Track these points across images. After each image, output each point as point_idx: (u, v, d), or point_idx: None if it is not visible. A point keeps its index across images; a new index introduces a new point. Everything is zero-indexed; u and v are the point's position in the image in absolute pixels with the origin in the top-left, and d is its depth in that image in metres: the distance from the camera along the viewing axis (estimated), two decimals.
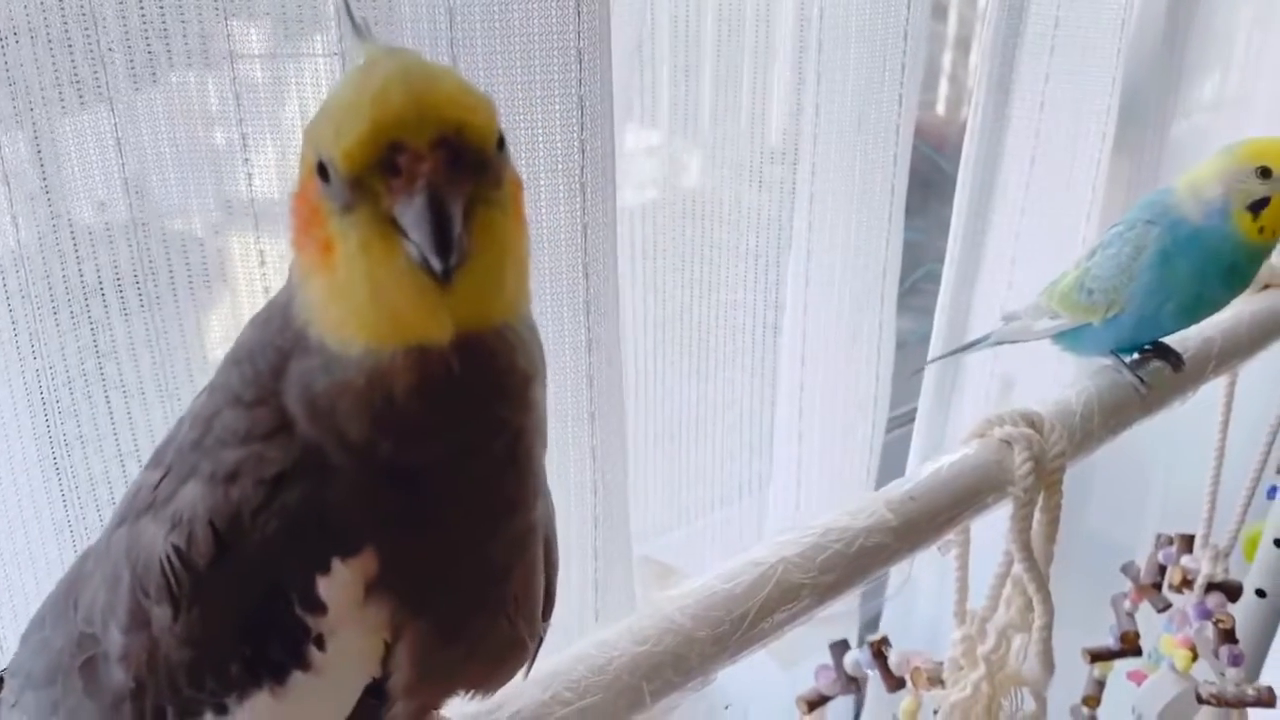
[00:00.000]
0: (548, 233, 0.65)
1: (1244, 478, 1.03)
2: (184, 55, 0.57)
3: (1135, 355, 0.82)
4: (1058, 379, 1.03)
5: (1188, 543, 1.03)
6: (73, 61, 0.54)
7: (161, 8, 0.55)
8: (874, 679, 0.78)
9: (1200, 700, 1.00)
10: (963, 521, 0.69)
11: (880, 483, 0.81)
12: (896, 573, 1.15)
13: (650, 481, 0.94)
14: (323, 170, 0.33)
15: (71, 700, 0.41)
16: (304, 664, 0.37)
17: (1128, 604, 1.02)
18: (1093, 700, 1.01)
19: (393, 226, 0.32)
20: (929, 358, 1.09)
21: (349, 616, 0.36)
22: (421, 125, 0.32)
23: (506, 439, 0.37)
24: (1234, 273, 0.77)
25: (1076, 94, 1.04)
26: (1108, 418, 0.77)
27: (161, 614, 0.37)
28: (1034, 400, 0.76)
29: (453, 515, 0.37)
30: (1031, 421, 0.71)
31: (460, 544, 0.38)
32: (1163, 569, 1.03)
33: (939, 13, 1.45)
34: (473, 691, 0.43)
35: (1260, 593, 1.12)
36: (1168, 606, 1.02)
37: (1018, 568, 0.72)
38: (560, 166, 0.64)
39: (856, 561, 0.62)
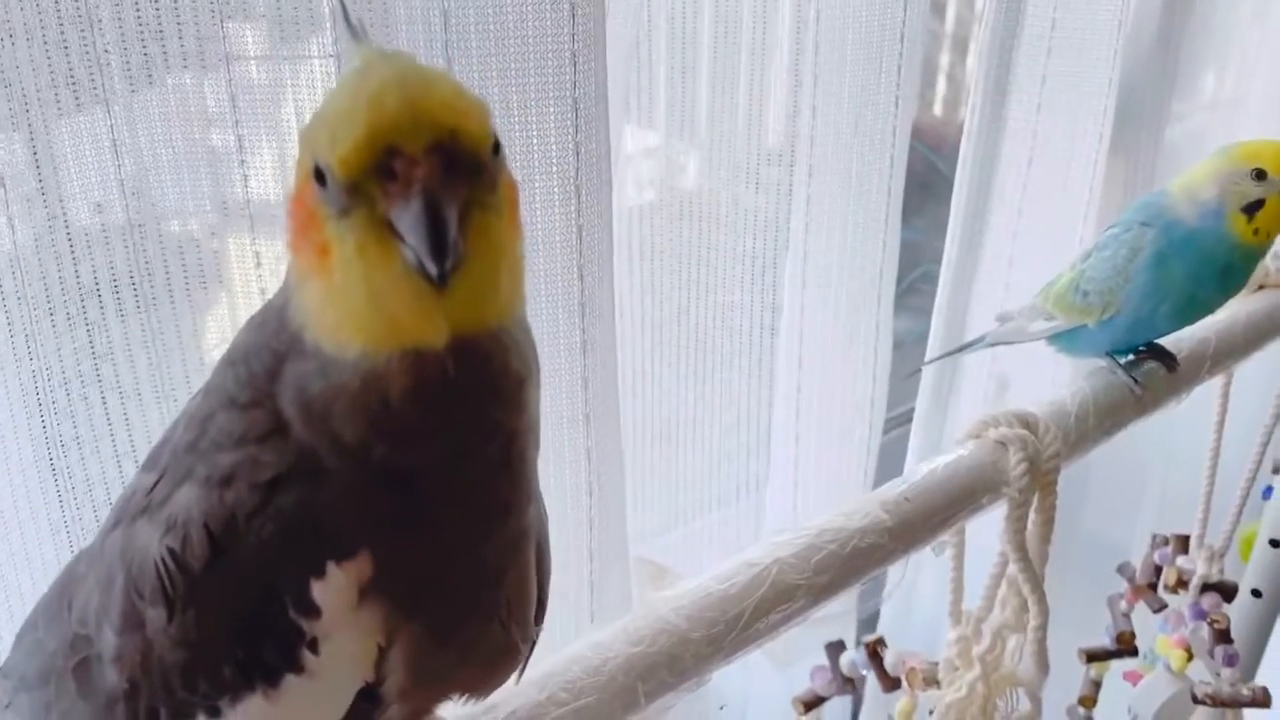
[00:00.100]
0: (542, 235, 0.65)
1: (1239, 478, 1.03)
2: (180, 57, 0.57)
3: (1130, 356, 0.82)
4: (1055, 380, 1.03)
5: (1183, 543, 1.03)
6: (69, 63, 0.54)
7: (158, 10, 0.55)
8: (872, 679, 0.78)
9: (1195, 700, 1.00)
10: (958, 522, 0.69)
11: (878, 483, 0.81)
12: (894, 572, 1.15)
13: (648, 483, 0.94)
14: (319, 175, 0.33)
15: (65, 702, 0.41)
16: (297, 667, 0.37)
17: (1124, 604, 1.02)
18: (1089, 700, 1.01)
19: (389, 230, 0.32)
20: (926, 359, 1.09)
21: (343, 620, 0.36)
22: (417, 130, 0.32)
23: (500, 442, 0.37)
24: (1229, 274, 0.77)
25: (1073, 96, 1.04)
26: (1103, 419, 0.77)
27: (156, 616, 0.37)
28: (1029, 401, 0.76)
29: (447, 518, 0.37)
30: (1026, 422, 0.71)
31: (454, 547, 0.38)
32: (1158, 569, 1.03)
33: (937, 11, 1.45)
34: (466, 695, 0.43)
35: (1256, 593, 1.12)
36: (1163, 607, 1.03)
37: (1012, 568, 0.72)
38: (555, 169, 0.64)
39: (851, 562, 0.62)
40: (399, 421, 0.35)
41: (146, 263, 0.59)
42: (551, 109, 0.62)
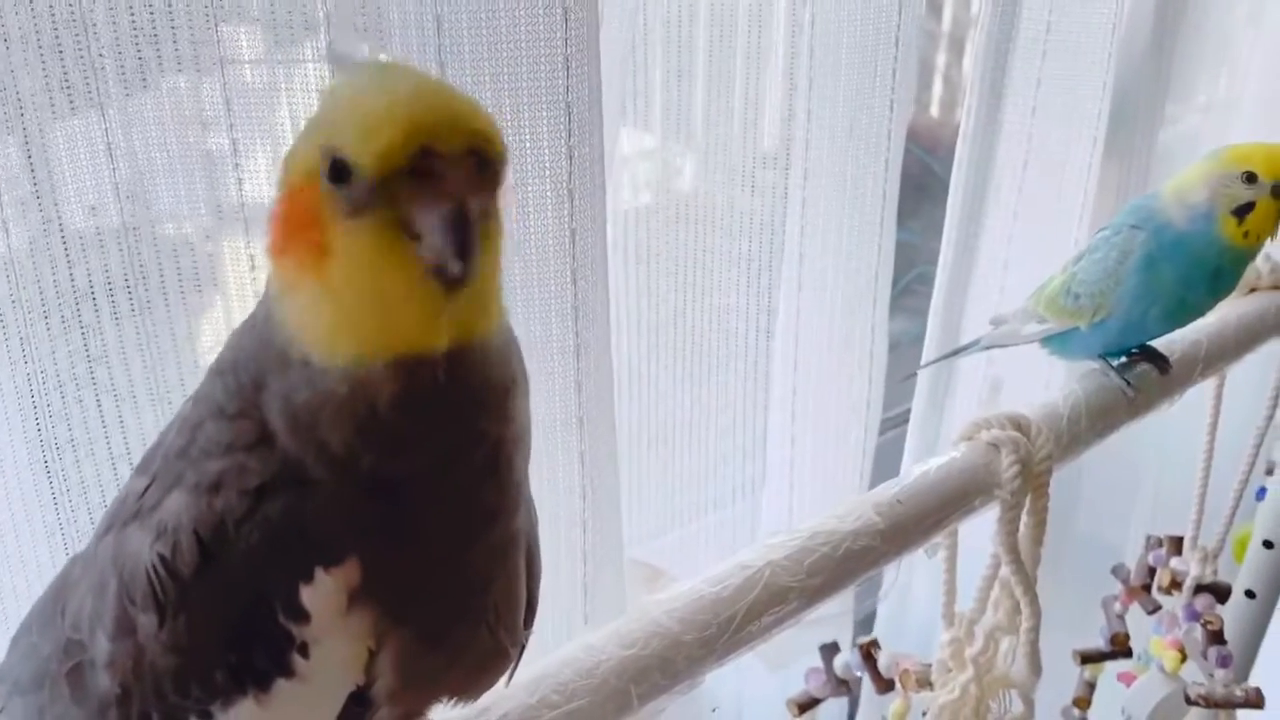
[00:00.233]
0: (535, 238, 0.65)
1: (1232, 479, 1.03)
2: (175, 61, 0.57)
3: (1123, 359, 0.82)
4: (1049, 382, 1.03)
5: (1177, 544, 1.03)
6: (64, 67, 0.54)
7: (152, 14, 0.55)
8: (866, 681, 0.79)
9: (1189, 701, 1.00)
10: (950, 524, 0.69)
11: (874, 485, 0.81)
12: (890, 573, 1.15)
13: (644, 485, 0.94)
14: (336, 172, 0.33)
15: (58, 706, 0.41)
16: (288, 671, 0.37)
17: (1118, 606, 1.02)
18: (1083, 701, 1.02)
19: (403, 231, 0.32)
20: (921, 362, 1.10)
21: (332, 625, 0.37)
22: (454, 133, 0.32)
23: (486, 449, 0.37)
24: (1219, 277, 0.77)
25: (1068, 99, 1.04)
26: (1095, 421, 0.77)
27: (147, 622, 0.37)
28: (1022, 403, 0.76)
29: (434, 525, 0.37)
30: (1018, 425, 0.71)
31: (441, 553, 0.38)
32: (1152, 571, 1.04)
33: (933, 13, 1.45)
34: (456, 698, 0.43)
35: (1249, 594, 1.12)
36: (1157, 608, 1.03)
37: (1005, 570, 0.73)
38: (548, 172, 0.64)
39: (844, 564, 0.62)
40: (386, 429, 0.35)
41: (141, 266, 0.60)
42: (544, 113, 0.62)
